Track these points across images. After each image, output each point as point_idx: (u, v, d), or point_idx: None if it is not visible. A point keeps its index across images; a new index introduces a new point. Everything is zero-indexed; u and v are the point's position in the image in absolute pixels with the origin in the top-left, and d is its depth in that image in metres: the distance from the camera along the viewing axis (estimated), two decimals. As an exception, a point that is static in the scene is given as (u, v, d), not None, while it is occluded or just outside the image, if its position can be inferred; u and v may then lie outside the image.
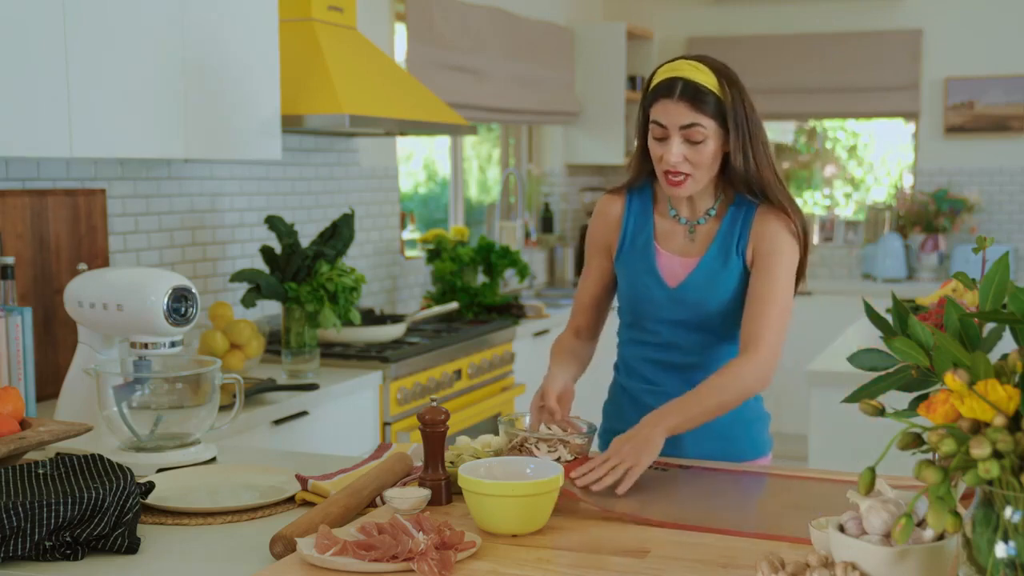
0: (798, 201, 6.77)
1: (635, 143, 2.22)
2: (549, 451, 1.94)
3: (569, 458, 1.95)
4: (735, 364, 2.05)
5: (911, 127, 6.36)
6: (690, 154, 2.07)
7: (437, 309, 4.05)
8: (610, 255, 2.26)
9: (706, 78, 2.09)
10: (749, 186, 2.13)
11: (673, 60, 2.14)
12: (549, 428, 2.01)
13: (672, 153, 2.07)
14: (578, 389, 2.16)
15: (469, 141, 5.64)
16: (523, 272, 4.65)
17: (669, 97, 2.07)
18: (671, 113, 2.07)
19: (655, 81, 2.12)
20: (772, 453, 2.29)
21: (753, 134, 2.11)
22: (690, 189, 2.11)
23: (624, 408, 2.27)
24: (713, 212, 2.17)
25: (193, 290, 2.17)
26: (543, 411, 2.06)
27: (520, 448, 1.95)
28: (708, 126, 2.07)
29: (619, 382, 2.30)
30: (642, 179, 2.23)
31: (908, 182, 6.44)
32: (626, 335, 2.27)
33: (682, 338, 2.18)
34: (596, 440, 2.33)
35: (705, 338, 2.17)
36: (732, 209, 2.17)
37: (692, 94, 2.07)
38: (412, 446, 1.98)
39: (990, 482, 1.15)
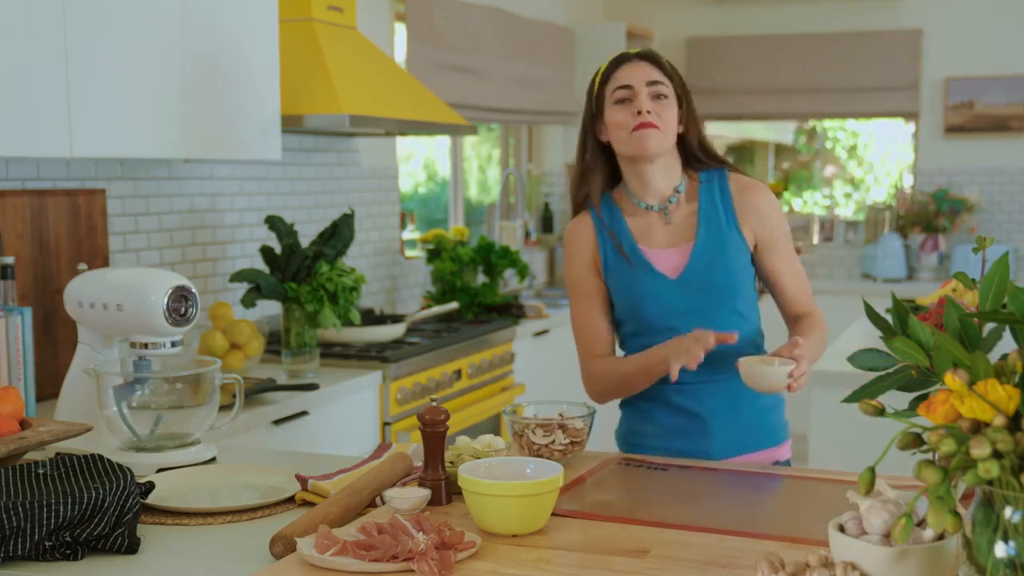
0: (797, 202, 6.79)
1: (577, 167, 2.28)
2: (546, 435, 1.94)
3: (566, 442, 1.95)
4: (818, 323, 2.22)
5: (911, 127, 6.37)
6: (656, 109, 2.15)
7: (437, 309, 4.05)
8: (600, 274, 2.24)
9: (654, 51, 2.24)
10: (707, 154, 2.24)
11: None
12: (560, 416, 2.00)
13: (642, 102, 2.14)
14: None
15: (469, 141, 5.64)
16: (523, 272, 4.65)
17: (627, 62, 2.19)
18: (635, 72, 2.17)
19: (604, 65, 2.23)
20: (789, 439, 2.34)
21: (694, 107, 2.24)
22: (658, 143, 2.15)
23: (650, 411, 2.23)
24: (682, 189, 2.22)
25: (193, 290, 2.17)
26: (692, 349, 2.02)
27: (520, 435, 1.96)
28: (668, 86, 2.18)
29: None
30: (599, 191, 2.25)
31: (908, 182, 6.44)
32: (633, 346, 2.23)
33: (692, 326, 2.12)
34: (616, 440, 2.32)
35: (721, 323, 2.14)
36: (703, 188, 2.23)
37: (650, 56, 2.20)
38: (412, 446, 1.98)
39: (990, 482, 1.15)
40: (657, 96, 2.16)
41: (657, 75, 2.17)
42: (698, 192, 2.22)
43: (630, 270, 2.19)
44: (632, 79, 2.16)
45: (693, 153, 2.24)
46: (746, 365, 2.02)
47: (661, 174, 2.20)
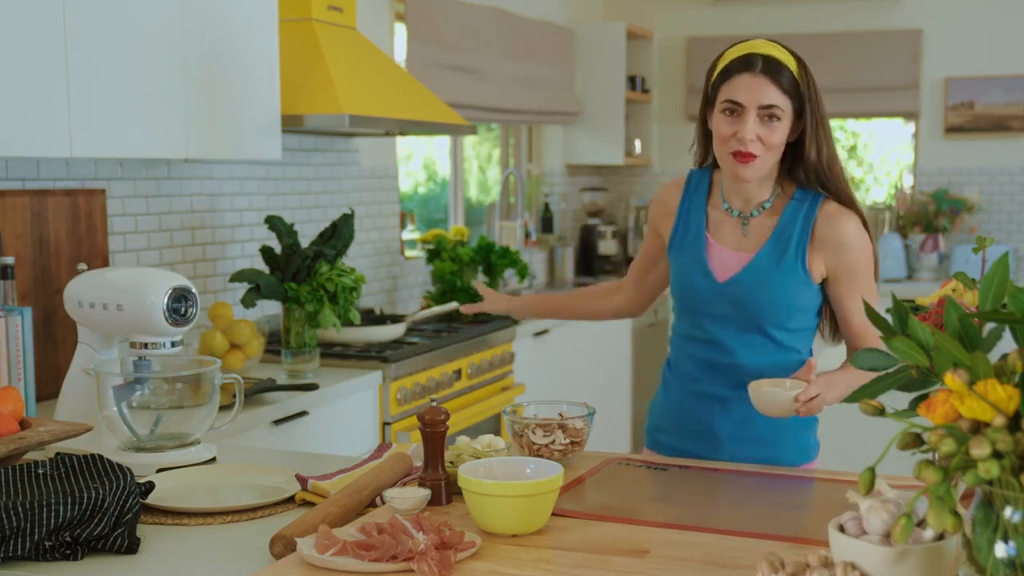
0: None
1: (696, 130, 2.20)
2: (546, 435, 1.94)
3: (566, 442, 1.95)
4: None
5: (911, 127, 6.36)
6: (764, 133, 2.02)
7: (437, 309, 4.05)
8: (662, 240, 2.27)
9: (784, 56, 2.05)
10: (819, 178, 2.08)
11: (744, 41, 2.09)
12: (560, 416, 2.00)
13: (747, 129, 2.01)
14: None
15: (469, 141, 5.64)
16: (523, 272, 4.65)
17: (748, 71, 2.02)
18: (750, 89, 2.01)
19: (729, 58, 2.07)
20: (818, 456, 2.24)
21: (824, 122, 2.07)
22: (756, 171, 2.05)
23: (668, 407, 2.25)
24: (768, 205, 2.13)
25: (193, 290, 2.17)
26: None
27: (520, 435, 1.96)
28: (785, 108, 2.02)
29: (666, 378, 2.28)
30: (709, 160, 2.20)
31: (908, 182, 6.44)
32: (676, 328, 2.25)
33: (726, 335, 2.13)
34: (644, 436, 2.33)
35: (752, 339, 2.12)
36: (792, 205, 2.11)
37: (772, 70, 2.02)
38: (412, 446, 1.98)
39: (990, 482, 1.15)
40: (769, 118, 2.02)
41: (774, 97, 2.01)
42: (785, 207, 2.12)
43: (689, 255, 2.17)
44: (745, 98, 2.01)
45: (800, 170, 2.10)
46: (754, 389, 1.98)
47: (753, 187, 2.13)
